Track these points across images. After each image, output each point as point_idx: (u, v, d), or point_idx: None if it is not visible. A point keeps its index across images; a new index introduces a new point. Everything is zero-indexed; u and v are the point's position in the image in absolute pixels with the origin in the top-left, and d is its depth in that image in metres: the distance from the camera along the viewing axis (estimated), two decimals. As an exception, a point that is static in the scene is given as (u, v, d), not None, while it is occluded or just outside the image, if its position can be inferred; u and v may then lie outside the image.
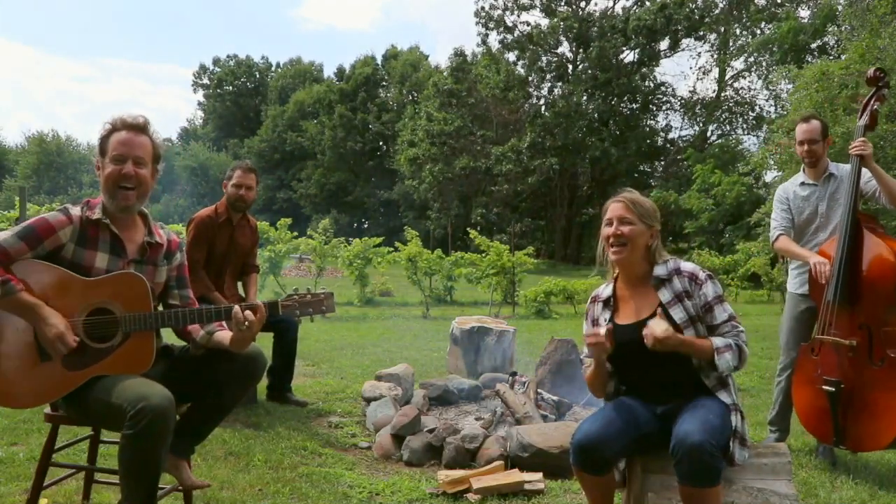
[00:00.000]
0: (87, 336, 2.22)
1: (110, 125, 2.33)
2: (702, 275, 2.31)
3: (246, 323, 2.22)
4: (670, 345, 2.17)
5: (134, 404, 2.02)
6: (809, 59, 19.00)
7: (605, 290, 2.50)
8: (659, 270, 2.35)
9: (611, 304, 2.45)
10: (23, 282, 2.15)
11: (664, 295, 2.31)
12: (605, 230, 2.39)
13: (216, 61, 55.63)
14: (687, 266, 2.35)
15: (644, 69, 31.81)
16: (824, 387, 3.29)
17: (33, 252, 2.20)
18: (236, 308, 2.23)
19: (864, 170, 3.40)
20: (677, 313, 2.27)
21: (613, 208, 2.39)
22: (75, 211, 2.29)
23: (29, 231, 2.20)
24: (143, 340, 2.27)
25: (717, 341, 2.24)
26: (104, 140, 2.32)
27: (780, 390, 3.76)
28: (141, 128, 2.34)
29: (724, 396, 2.24)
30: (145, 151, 2.33)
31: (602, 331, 2.28)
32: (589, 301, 2.56)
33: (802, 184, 3.72)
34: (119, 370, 2.22)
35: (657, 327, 2.18)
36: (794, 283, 3.79)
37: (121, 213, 2.32)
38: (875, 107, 3.46)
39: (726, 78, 30.96)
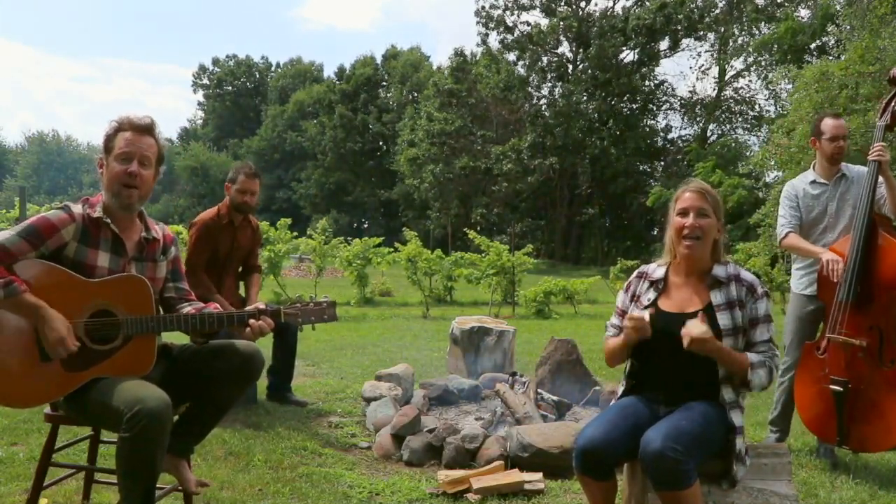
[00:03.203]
0: (89, 337, 2.21)
1: (117, 124, 2.33)
2: (760, 290, 2.29)
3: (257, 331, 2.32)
4: (706, 349, 2.13)
5: (130, 407, 2.02)
6: (809, 60, 18.99)
7: (657, 270, 2.45)
8: (718, 271, 2.33)
9: (660, 286, 2.41)
10: (25, 282, 2.14)
11: (716, 297, 2.28)
12: (680, 220, 2.33)
13: (216, 61, 55.65)
14: (747, 276, 2.32)
15: (644, 69, 31.82)
16: (832, 386, 3.27)
17: (36, 252, 2.19)
18: (252, 322, 2.31)
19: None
20: (724, 319, 2.24)
21: (689, 198, 2.33)
22: (77, 209, 2.29)
23: (31, 230, 2.20)
24: (145, 343, 2.27)
25: (753, 357, 2.22)
26: (110, 138, 2.32)
27: (783, 390, 3.74)
28: (147, 129, 2.34)
29: (735, 416, 2.22)
30: (151, 152, 2.34)
31: (647, 315, 2.24)
32: (634, 275, 2.51)
33: (813, 182, 3.66)
34: (119, 372, 2.22)
35: (695, 329, 2.12)
36: (800, 284, 3.73)
37: (123, 212, 2.33)
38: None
39: (726, 77, 30.97)
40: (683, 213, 2.33)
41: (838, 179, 3.60)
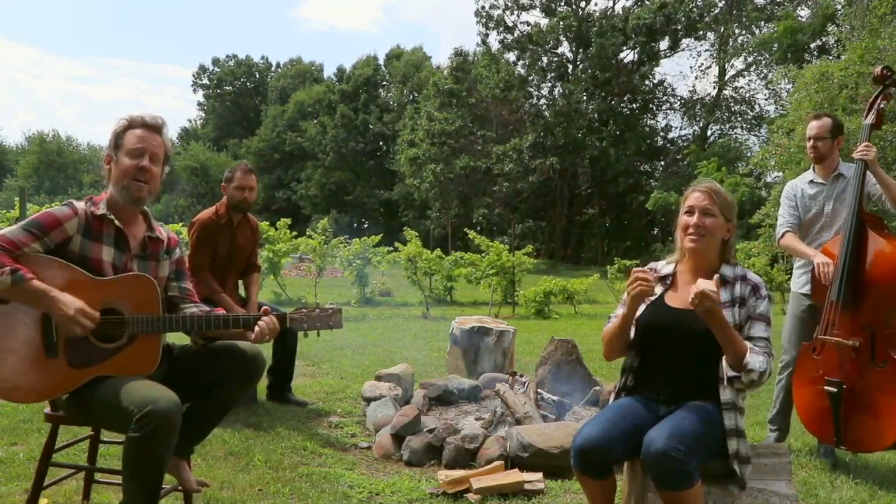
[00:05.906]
0: (94, 335, 2.21)
1: (127, 121, 2.35)
2: (764, 291, 2.31)
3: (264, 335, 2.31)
4: (710, 310, 2.10)
5: (141, 407, 2.02)
6: (809, 59, 18.99)
7: (666, 267, 2.47)
8: (726, 271, 2.34)
9: (668, 281, 2.43)
10: (34, 274, 2.13)
11: (722, 295, 2.28)
12: (686, 219, 2.35)
13: (216, 61, 55.59)
14: (754, 277, 2.33)
15: (644, 69, 31.82)
16: (826, 387, 3.28)
17: (40, 243, 2.19)
18: (259, 323, 2.30)
19: (868, 172, 3.39)
20: (727, 316, 2.24)
21: (696, 198, 2.35)
22: (80, 205, 2.31)
23: (35, 224, 2.21)
24: (150, 342, 2.27)
25: (752, 345, 2.22)
26: (119, 135, 2.33)
27: (780, 388, 3.76)
28: (158, 127, 2.37)
29: (728, 418, 2.21)
30: (160, 150, 2.36)
31: (652, 275, 2.25)
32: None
33: (811, 182, 3.70)
34: (124, 371, 2.22)
35: (706, 284, 2.10)
36: (798, 283, 3.77)
37: (131, 205, 2.34)
38: (882, 105, 3.45)
39: (726, 77, 30.98)
40: (690, 211, 2.36)
41: (835, 179, 3.62)
